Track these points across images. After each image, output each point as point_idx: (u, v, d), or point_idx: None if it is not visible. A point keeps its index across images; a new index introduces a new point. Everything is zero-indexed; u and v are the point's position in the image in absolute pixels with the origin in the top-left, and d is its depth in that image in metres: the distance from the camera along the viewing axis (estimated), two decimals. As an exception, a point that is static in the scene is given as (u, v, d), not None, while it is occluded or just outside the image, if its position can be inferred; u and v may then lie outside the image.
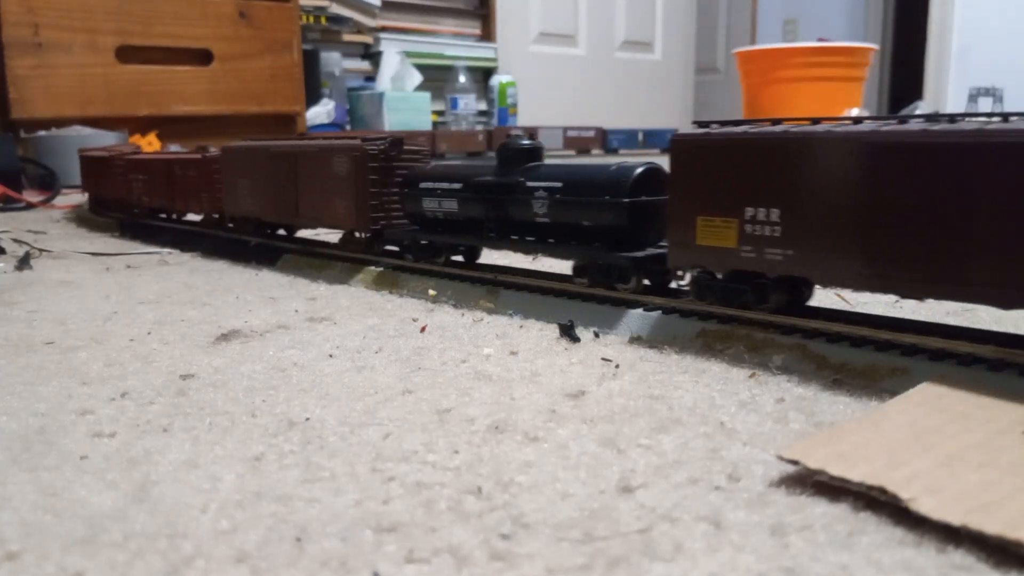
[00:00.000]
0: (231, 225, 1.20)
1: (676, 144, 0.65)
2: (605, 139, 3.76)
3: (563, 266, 0.88)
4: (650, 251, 0.71)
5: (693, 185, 0.64)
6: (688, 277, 0.68)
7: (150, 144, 2.51)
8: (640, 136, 3.92)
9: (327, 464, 0.43)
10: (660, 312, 0.69)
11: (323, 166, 0.97)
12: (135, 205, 1.47)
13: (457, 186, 0.84)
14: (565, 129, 3.56)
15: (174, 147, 2.34)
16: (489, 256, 0.95)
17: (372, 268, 0.95)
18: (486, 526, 0.36)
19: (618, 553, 0.33)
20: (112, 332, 0.73)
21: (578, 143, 3.62)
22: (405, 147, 0.94)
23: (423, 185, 0.87)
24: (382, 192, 0.93)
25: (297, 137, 1.07)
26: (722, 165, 0.61)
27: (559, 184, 0.74)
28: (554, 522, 0.36)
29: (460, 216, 0.84)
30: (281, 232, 1.16)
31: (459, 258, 0.91)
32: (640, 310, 0.70)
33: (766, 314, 0.63)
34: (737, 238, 0.61)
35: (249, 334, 0.71)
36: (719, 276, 0.64)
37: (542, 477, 0.41)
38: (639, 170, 0.71)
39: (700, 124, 0.64)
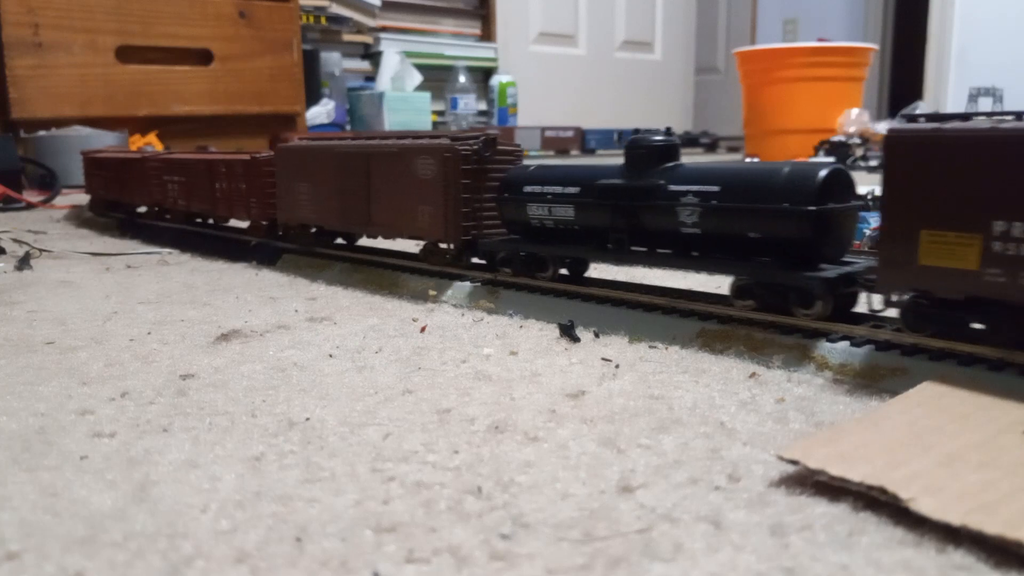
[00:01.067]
0: (280, 233, 1.09)
1: (894, 141, 0.54)
2: (583, 139, 3.73)
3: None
4: (838, 269, 0.61)
5: (916, 191, 0.53)
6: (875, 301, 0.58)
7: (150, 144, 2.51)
8: (616, 136, 3.89)
9: (327, 464, 0.43)
10: (660, 312, 0.69)
11: (403, 168, 0.86)
12: (168, 210, 1.36)
13: (574, 190, 0.74)
14: (543, 129, 3.54)
15: (148, 148, 2.33)
16: (601, 270, 0.86)
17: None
18: (486, 526, 0.36)
19: (618, 553, 0.33)
20: (112, 332, 0.73)
21: (557, 143, 3.61)
22: (498, 146, 0.83)
23: (528, 189, 0.77)
24: (474, 198, 0.83)
25: (367, 136, 0.98)
26: (959, 167, 0.51)
27: (715, 188, 0.64)
28: (554, 522, 0.36)
29: (577, 224, 0.74)
30: (340, 241, 1.06)
31: (562, 271, 0.81)
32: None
33: (764, 314, 0.63)
34: (979, 258, 0.50)
35: (249, 334, 0.71)
36: (935, 302, 0.54)
37: (542, 477, 0.41)
38: (824, 172, 0.60)
39: (910, 118, 0.54)
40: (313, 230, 1.05)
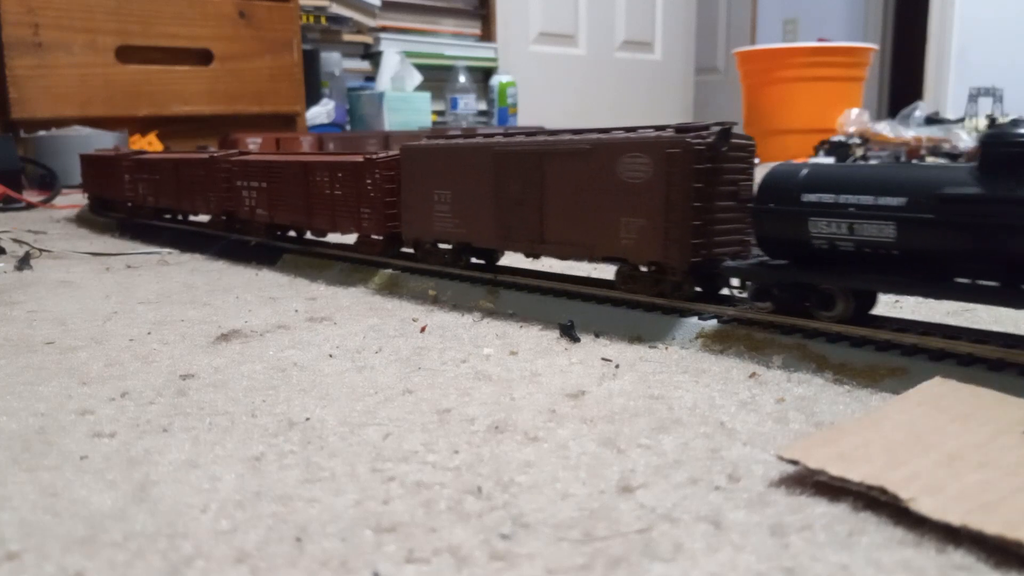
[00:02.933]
0: (413, 251, 0.91)
1: None
2: None
3: (562, 266, 0.88)
4: None
5: None
6: None
7: (150, 144, 2.51)
8: None
9: (327, 464, 0.43)
10: (660, 312, 0.69)
11: (598, 170, 0.69)
12: (243, 221, 1.18)
13: (896, 202, 0.55)
14: (506, 129, 3.52)
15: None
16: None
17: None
18: (486, 526, 0.36)
19: (618, 553, 0.33)
20: (112, 332, 0.73)
21: None
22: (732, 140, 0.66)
23: (810, 198, 0.59)
24: (705, 207, 0.65)
25: (530, 131, 0.81)
26: None
27: None
28: (554, 522, 0.36)
29: (897, 248, 0.55)
30: (475, 260, 0.87)
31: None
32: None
33: (765, 314, 0.63)
34: None
35: (249, 334, 0.71)
36: None
37: (542, 477, 0.41)
38: None
39: None
40: (445, 246, 0.87)
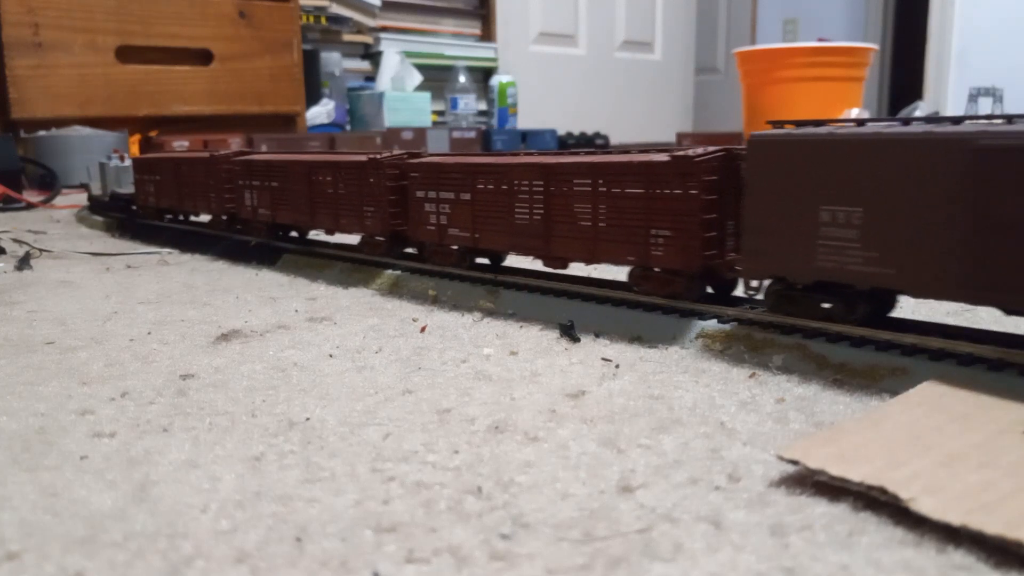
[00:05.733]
0: (753, 292, 0.63)
1: None
2: (488, 140, 3.58)
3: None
4: None
5: None
6: None
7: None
8: (522, 137, 3.76)
9: (327, 464, 0.43)
10: (660, 312, 0.69)
11: None
12: (424, 243, 0.88)
13: None
14: (451, 130, 3.49)
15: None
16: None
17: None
18: (486, 526, 0.36)
19: (618, 553, 0.33)
20: (112, 332, 0.73)
21: (462, 144, 3.52)
22: None
23: None
24: None
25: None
26: None
27: None
28: (554, 522, 0.36)
29: None
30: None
31: None
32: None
33: (766, 314, 0.63)
34: None
35: (249, 334, 0.71)
36: None
37: (542, 477, 0.41)
38: None
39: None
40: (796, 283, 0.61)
